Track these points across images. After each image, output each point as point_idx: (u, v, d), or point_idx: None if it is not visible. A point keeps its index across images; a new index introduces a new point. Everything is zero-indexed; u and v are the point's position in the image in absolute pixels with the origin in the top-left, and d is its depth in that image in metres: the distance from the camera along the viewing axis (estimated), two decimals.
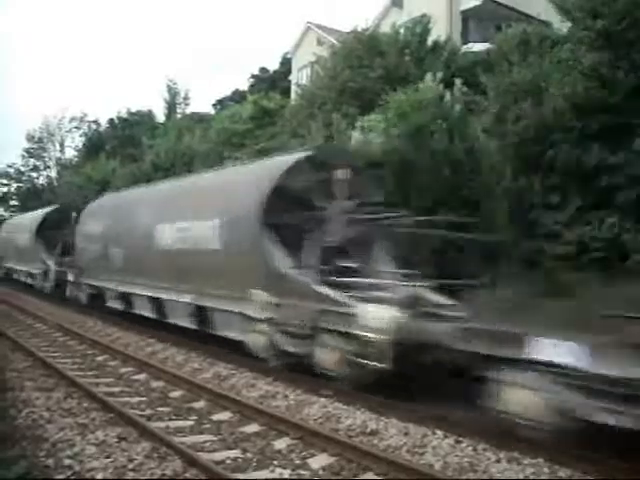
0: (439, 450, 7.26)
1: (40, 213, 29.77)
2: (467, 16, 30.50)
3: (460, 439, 7.57)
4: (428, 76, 18.09)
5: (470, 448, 7.30)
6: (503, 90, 13.79)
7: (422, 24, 24.30)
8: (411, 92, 17.20)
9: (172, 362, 12.82)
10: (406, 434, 7.82)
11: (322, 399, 9.55)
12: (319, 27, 38.76)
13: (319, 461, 7.08)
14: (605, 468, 6.51)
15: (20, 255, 30.79)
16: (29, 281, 29.29)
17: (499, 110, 13.40)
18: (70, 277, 22.87)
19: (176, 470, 6.66)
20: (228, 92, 54.82)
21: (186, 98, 51.25)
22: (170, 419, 8.81)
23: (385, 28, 26.68)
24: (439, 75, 18.13)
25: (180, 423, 8.62)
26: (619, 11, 11.06)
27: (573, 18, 12.55)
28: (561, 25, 14.48)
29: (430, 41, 23.76)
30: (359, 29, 24.85)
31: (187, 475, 6.56)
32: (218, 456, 7.19)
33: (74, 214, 25.01)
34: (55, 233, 26.55)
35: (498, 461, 6.89)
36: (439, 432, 7.84)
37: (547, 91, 12.47)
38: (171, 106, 50.49)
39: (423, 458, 7.05)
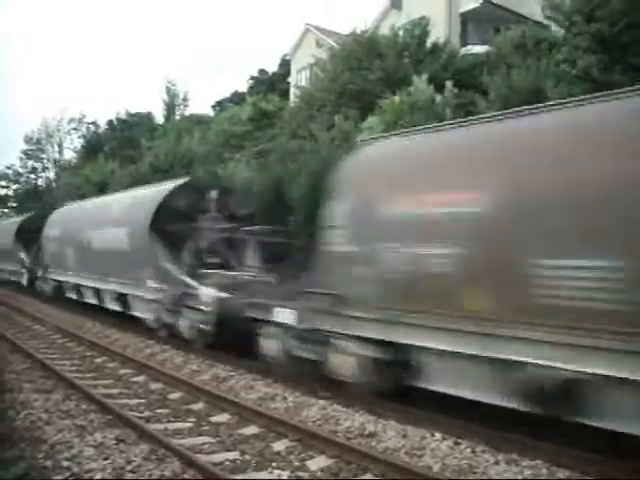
0: (438, 452, 7.27)
1: (160, 191, 16.53)
2: (466, 18, 30.54)
3: (459, 441, 7.57)
4: (414, 78, 18.21)
5: (469, 450, 7.30)
6: (503, 93, 13.82)
7: (421, 26, 24.37)
8: (405, 95, 17.30)
9: (171, 364, 12.81)
10: (404, 436, 7.83)
11: (321, 401, 9.55)
12: (318, 29, 38.79)
13: (318, 463, 7.08)
14: (604, 469, 6.52)
15: (97, 264, 18.67)
16: (116, 308, 18.35)
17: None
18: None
19: (175, 471, 6.67)
20: (227, 94, 54.96)
21: (185, 99, 51.25)
22: (169, 421, 8.81)
23: (384, 30, 26.73)
24: (424, 77, 18.22)
25: (179, 425, 8.62)
26: (613, 14, 11.11)
27: (566, 25, 12.64)
28: (559, 28, 14.54)
29: (429, 43, 23.83)
30: (358, 31, 24.93)
31: (185, 476, 6.57)
32: (217, 458, 7.20)
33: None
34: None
35: (497, 463, 6.89)
36: (438, 434, 7.83)
37: (544, 94, 12.48)
38: (170, 107, 50.47)
39: (422, 460, 7.05)
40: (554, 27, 16.31)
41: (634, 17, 10.99)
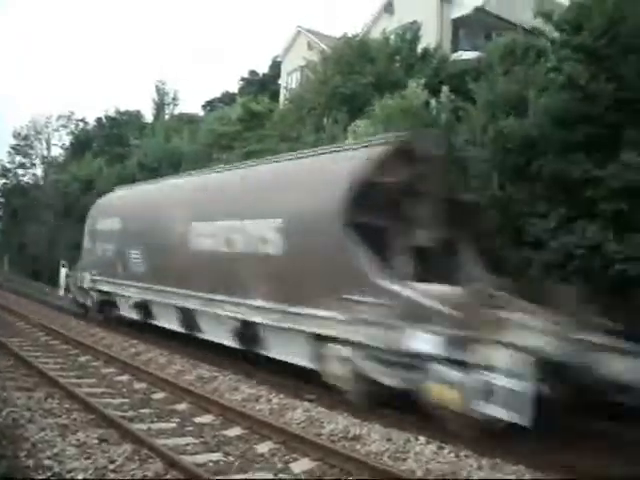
0: (421, 456, 7.27)
1: None
2: (457, 24, 30.64)
3: (442, 445, 7.58)
4: (410, 82, 18.27)
5: (452, 455, 7.31)
6: (489, 101, 13.86)
7: (412, 31, 24.44)
8: (398, 98, 17.33)
9: (155, 364, 12.76)
10: (389, 440, 7.83)
11: (305, 403, 9.55)
12: (310, 32, 38.76)
13: (301, 465, 7.07)
14: (587, 475, 6.56)
15: None
16: None
17: (486, 121, 13.44)
18: None
19: (157, 472, 6.62)
20: (218, 94, 54.80)
21: (175, 99, 51.16)
22: (152, 421, 8.76)
23: (376, 34, 26.76)
24: (421, 82, 18.29)
25: (162, 425, 8.59)
26: (599, 26, 11.23)
27: (553, 36, 12.77)
28: (547, 38, 14.62)
29: (420, 48, 23.89)
30: (350, 35, 24.97)
31: (168, 477, 6.53)
32: (200, 459, 7.17)
33: None
34: None
35: (480, 468, 6.91)
36: (422, 438, 7.84)
37: (530, 102, 12.54)
38: (159, 106, 50.33)
39: (405, 464, 7.06)
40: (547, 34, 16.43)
41: (618, 29, 11.09)
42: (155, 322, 15.63)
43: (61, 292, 24.72)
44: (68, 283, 22.31)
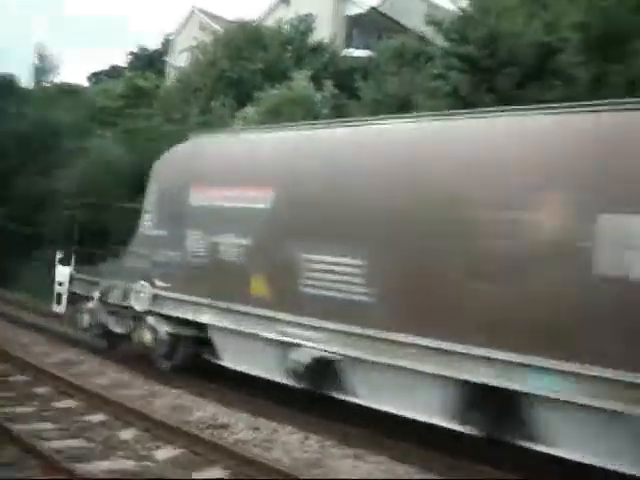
0: (288, 446, 7.36)
1: None
2: (352, 22, 31.13)
3: (308, 435, 7.71)
4: (296, 74, 18.51)
5: (318, 445, 7.45)
6: (376, 99, 14.24)
7: (306, 23, 24.64)
8: (284, 88, 17.49)
9: (17, 344, 12.13)
10: (256, 429, 7.87)
11: (173, 390, 9.42)
12: (204, 12, 38.27)
13: (165, 453, 6.97)
14: (436, 465, 6.88)
15: None
16: None
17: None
18: None
19: (12, 458, 6.33)
20: (105, 67, 52.58)
21: (57, 66, 48.57)
22: (10, 405, 8.33)
23: (271, 23, 26.75)
24: (308, 74, 18.55)
25: (20, 409, 8.18)
26: (481, 38, 11.85)
27: (442, 44, 13.32)
28: (436, 45, 15.16)
29: (312, 41, 24.12)
30: (245, 20, 24.86)
31: (23, 464, 6.24)
32: (58, 445, 6.87)
33: None
34: None
35: (344, 457, 7.08)
36: (289, 427, 7.94)
37: (414, 105, 12.97)
38: (40, 72, 47.66)
39: (271, 453, 7.12)
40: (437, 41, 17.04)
41: (498, 44, 11.74)
42: (353, 399, 7.96)
43: (57, 309, 12.79)
44: (74, 293, 12.28)
